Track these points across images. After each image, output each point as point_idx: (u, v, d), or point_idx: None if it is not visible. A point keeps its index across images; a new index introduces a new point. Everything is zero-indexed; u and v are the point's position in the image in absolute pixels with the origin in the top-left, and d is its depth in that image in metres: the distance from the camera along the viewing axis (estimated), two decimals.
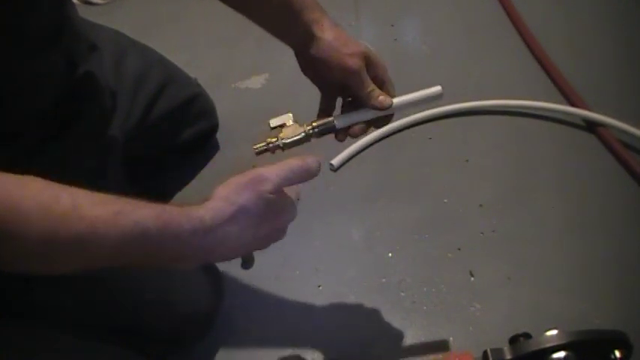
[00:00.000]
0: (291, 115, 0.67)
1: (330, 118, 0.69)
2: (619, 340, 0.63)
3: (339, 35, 0.67)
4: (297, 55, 0.71)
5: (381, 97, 0.67)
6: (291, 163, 0.57)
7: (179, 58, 1.03)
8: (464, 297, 0.87)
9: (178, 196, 1.03)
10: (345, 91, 0.71)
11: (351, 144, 1.08)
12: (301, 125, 0.68)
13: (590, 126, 1.09)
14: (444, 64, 1.26)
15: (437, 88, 0.70)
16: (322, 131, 0.69)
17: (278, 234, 0.60)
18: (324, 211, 1.00)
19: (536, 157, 1.06)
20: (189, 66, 1.06)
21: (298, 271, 0.93)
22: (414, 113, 1.12)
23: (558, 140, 1.09)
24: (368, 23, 1.40)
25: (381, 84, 0.69)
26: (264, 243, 0.59)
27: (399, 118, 1.11)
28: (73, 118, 0.69)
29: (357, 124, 0.69)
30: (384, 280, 0.90)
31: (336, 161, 1.06)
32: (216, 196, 0.53)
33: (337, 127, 0.69)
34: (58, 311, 0.73)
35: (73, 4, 0.69)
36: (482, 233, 0.95)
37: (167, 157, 1.03)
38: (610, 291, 0.85)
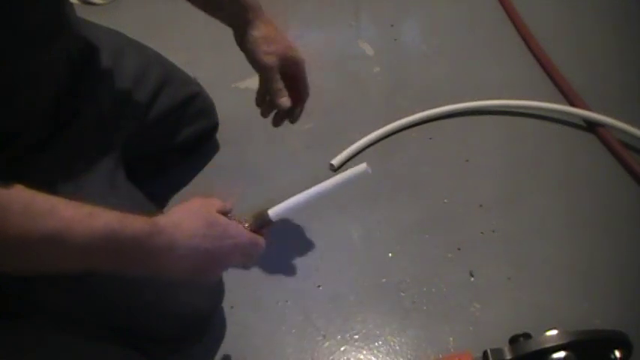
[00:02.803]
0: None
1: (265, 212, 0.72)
2: (619, 340, 0.63)
3: (267, 34, 0.77)
4: (234, 35, 0.81)
5: (284, 99, 0.79)
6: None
7: (179, 58, 1.02)
8: (464, 297, 0.87)
9: (178, 196, 1.03)
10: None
11: (351, 144, 1.08)
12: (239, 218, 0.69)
13: (590, 126, 1.09)
14: (444, 64, 1.26)
15: (362, 166, 0.73)
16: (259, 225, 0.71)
17: (226, 258, 0.64)
18: (324, 211, 1.00)
19: (536, 157, 1.06)
20: (189, 66, 1.05)
21: (298, 271, 0.93)
22: (414, 114, 1.12)
23: (558, 140, 1.09)
24: (368, 23, 1.40)
25: (296, 81, 0.81)
26: (213, 263, 0.63)
27: (399, 118, 1.11)
28: (71, 117, 0.69)
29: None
30: (384, 280, 0.90)
31: (336, 161, 1.06)
32: (171, 210, 0.62)
33: (273, 220, 0.72)
34: (57, 311, 0.73)
35: (71, 4, 0.69)
36: (482, 233, 0.95)
37: (167, 157, 1.02)
38: (610, 291, 0.85)
